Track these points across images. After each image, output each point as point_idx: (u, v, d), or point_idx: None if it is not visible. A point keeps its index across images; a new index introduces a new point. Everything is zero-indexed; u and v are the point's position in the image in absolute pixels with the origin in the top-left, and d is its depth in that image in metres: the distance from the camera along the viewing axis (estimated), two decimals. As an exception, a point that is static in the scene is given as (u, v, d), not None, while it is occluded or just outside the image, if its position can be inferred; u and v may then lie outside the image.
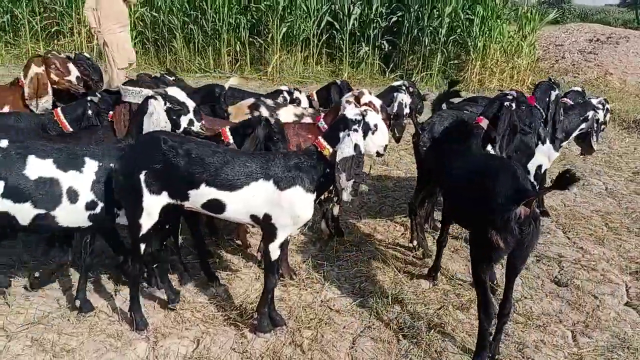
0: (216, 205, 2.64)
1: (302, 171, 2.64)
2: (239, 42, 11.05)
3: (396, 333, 3.02)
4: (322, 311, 3.19)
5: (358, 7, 10.83)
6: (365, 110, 2.74)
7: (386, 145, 2.80)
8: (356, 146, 2.62)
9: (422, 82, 10.57)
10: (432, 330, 3.00)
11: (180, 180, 2.58)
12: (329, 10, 10.98)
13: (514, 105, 3.34)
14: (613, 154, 6.92)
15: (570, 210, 4.99)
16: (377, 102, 3.82)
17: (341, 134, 2.66)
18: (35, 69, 3.83)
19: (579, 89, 5.12)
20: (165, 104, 2.93)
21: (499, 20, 10.72)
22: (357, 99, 3.78)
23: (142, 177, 2.56)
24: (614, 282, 3.76)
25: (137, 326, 2.83)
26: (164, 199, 2.63)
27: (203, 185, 2.58)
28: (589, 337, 3.13)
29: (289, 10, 10.77)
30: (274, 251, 2.74)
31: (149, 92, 3.02)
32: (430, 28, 10.73)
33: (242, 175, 2.59)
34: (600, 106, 4.58)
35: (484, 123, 3.35)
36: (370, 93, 3.90)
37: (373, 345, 2.91)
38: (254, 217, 2.70)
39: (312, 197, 2.69)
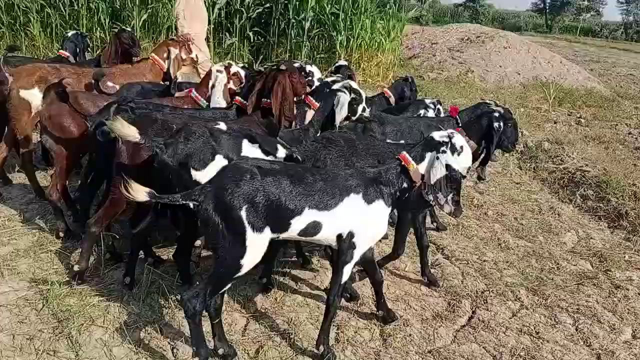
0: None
1: (384, 184, 2.57)
2: (100, 29, 10.62)
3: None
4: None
5: (223, -3, 10.69)
6: (452, 133, 2.62)
7: (469, 168, 2.69)
8: (448, 166, 2.55)
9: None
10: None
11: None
12: (193, -1, 10.75)
13: (501, 124, 3.49)
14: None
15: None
16: (243, 73, 3.96)
17: (428, 154, 2.58)
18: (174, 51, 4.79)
19: (344, 62, 5.42)
20: (350, 95, 3.39)
21: (363, 16, 10.94)
22: (227, 70, 3.88)
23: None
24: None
25: None
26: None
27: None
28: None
29: (151, -3, 10.47)
30: (347, 273, 2.65)
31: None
32: (295, 21, 10.79)
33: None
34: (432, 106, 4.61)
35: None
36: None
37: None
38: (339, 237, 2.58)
39: (388, 211, 2.62)
